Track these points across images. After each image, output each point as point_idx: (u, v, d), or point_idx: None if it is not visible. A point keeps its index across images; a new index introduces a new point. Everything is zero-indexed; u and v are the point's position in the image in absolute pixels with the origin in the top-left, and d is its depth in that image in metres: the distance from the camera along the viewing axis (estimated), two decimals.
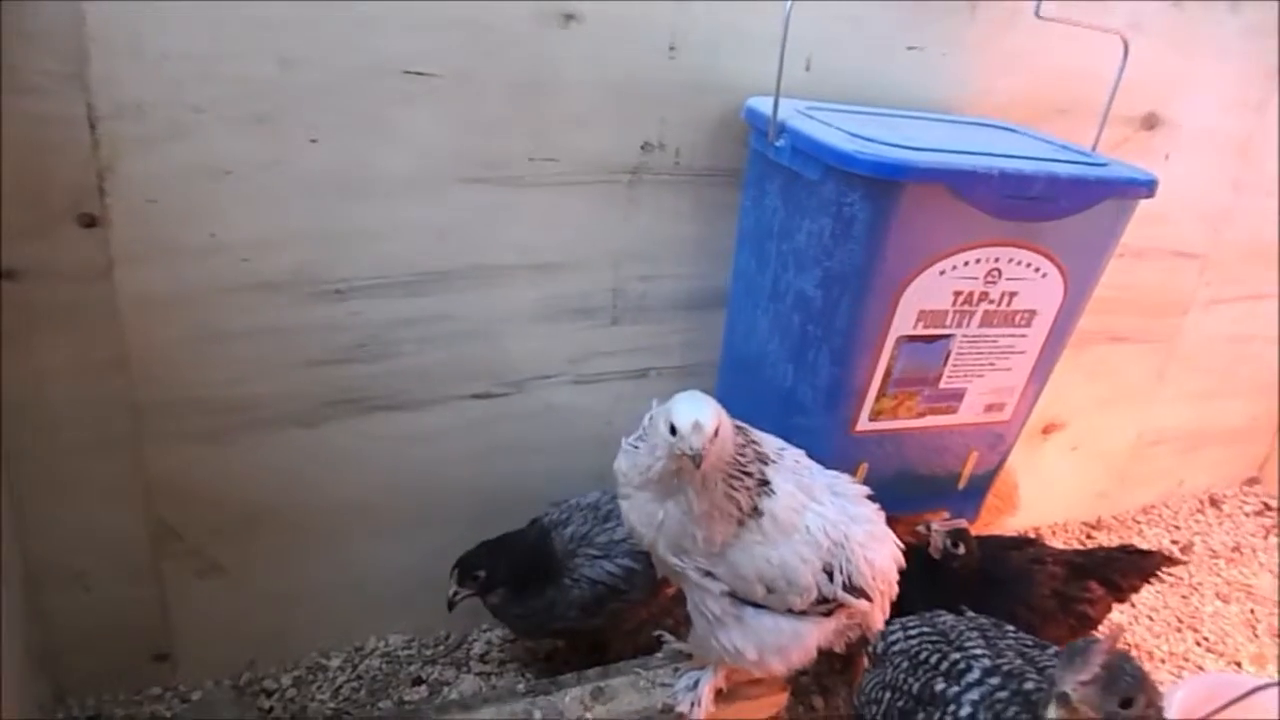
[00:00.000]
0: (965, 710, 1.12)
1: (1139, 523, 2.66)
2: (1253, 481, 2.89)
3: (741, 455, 1.24)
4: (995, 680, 1.13)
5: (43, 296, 1.30)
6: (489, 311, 1.61)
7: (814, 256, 1.40)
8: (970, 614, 1.33)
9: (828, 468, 1.43)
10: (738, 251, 1.65)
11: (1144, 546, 2.12)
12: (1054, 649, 1.17)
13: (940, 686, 1.15)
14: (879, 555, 1.38)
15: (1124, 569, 1.87)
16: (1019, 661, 1.16)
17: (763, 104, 1.48)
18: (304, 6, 1.29)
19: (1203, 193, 2.20)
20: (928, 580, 1.59)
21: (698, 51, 1.53)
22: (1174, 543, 2.58)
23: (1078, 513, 2.59)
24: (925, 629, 1.29)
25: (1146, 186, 1.47)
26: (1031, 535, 2.36)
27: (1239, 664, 2.17)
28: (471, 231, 1.53)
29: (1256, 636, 2.28)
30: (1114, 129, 1.95)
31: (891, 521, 1.47)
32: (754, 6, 1.52)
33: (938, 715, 1.13)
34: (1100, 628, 1.86)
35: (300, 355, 1.50)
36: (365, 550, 1.71)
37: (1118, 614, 2.17)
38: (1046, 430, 2.37)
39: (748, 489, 1.24)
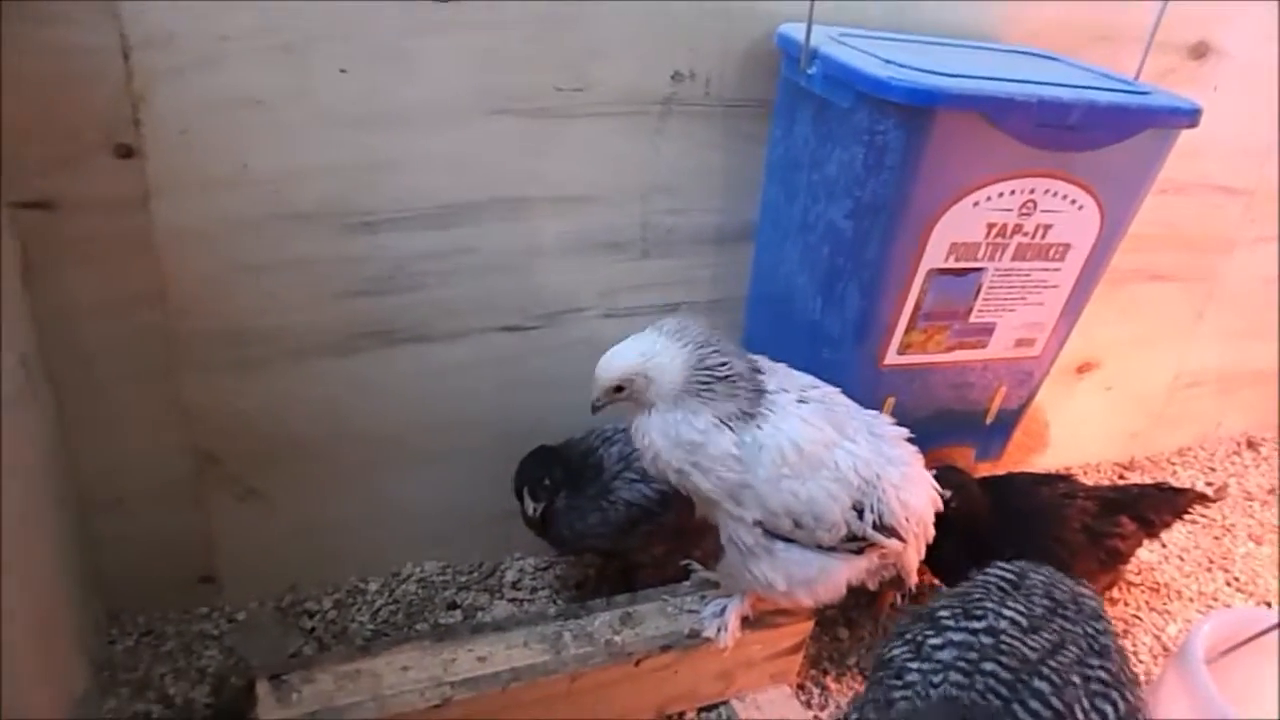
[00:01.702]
0: (934, 640, 1.13)
1: (1173, 464, 2.64)
2: None
3: (704, 373, 1.27)
4: (988, 640, 1.11)
5: (81, 227, 1.33)
6: (517, 244, 1.61)
7: (845, 187, 1.39)
8: (1084, 589, 1.27)
9: (854, 401, 1.44)
10: (766, 183, 1.64)
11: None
12: (1102, 663, 1.12)
13: (945, 614, 1.17)
14: (914, 497, 1.39)
15: (1156, 505, 1.87)
16: (1030, 648, 1.10)
17: (795, 30, 1.45)
18: None
19: (1251, 126, 2.13)
20: (946, 525, 1.60)
21: None
22: (1209, 484, 2.56)
23: (1111, 453, 2.57)
24: (1009, 574, 1.26)
25: (1189, 115, 1.43)
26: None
27: (1269, 603, 2.16)
28: (498, 163, 1.53)
29: None
30: (1160, 57, 1.89)
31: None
32: None
33: (920, 629, 1.15)
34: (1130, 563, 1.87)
35: (331, 286, 1.52)
36: (400, 479, 1.75)
37: (1148, 551, 2.17)
38: (1081, 369, 2.34)
39: (716, 396, 1.28)
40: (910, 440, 1.43)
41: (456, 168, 1.51)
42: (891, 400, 1.58)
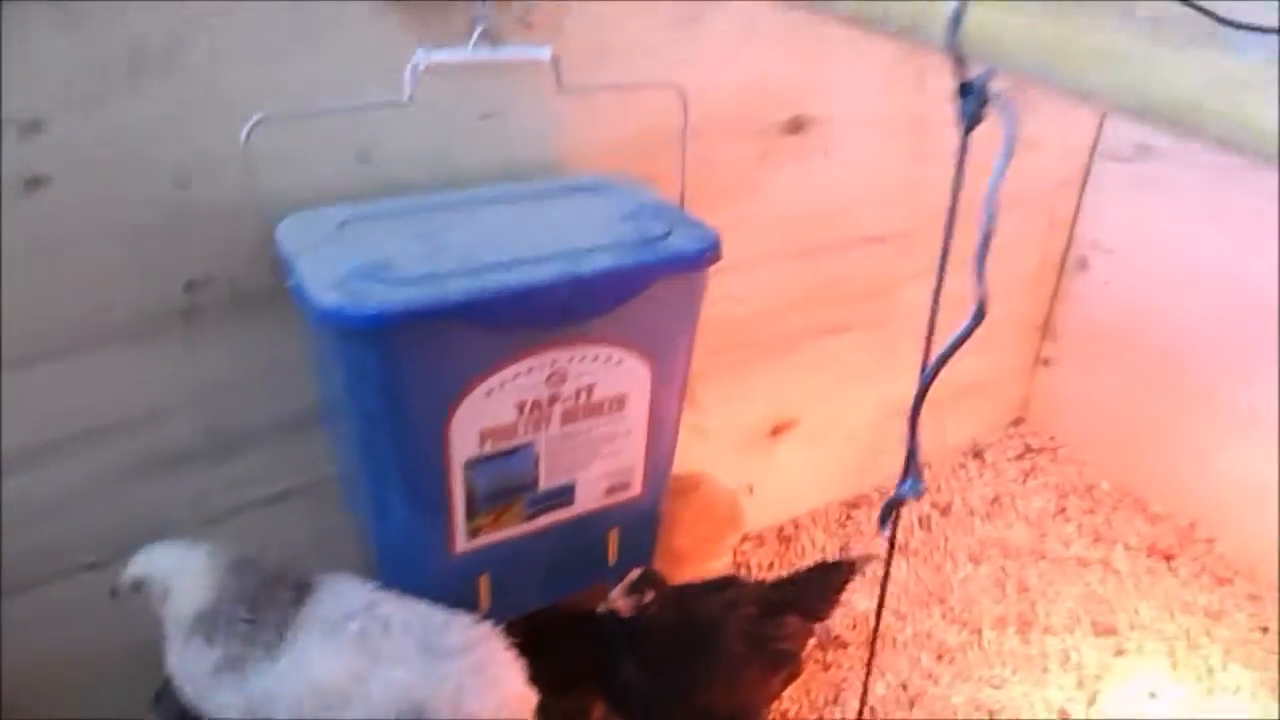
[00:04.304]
0: None
1: None
2: (1018, 422, 2.92)
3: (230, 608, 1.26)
4: None
5: None
6: (82, 481, 1.49)
7: (344, 401, 1.32)
8: None
9: (434, 595, 1.39)
10: (315, 374, 1.55)
11: (833, 559, 2.13)
12: None
13: None
14: (484, 701, 1.33)
15: (818, 592, 1.87)
16: None
17: (283, 233, 1.36)
18: None
19: (883, 174, 2.14)
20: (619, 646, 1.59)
21: (219, 180, 1.38)
22: (933, 506, 2.60)
23: (835, 494, 2.59)
24: None
25: (701, 256, 1.39)
26: (732, 573, 2.09)
27: (980, 631, 2.20)
28: (46, 407, 1.42)
29: (1005, 595, 2.32)
30: (755, 141, 1.88)
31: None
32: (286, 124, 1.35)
33: None
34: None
35: None
36: None
37: (868, 599, 2.18)
38: (775, 431, 2.34)
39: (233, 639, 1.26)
40: (484, 628, 1.37)
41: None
42: (486, 577, 1.52)
